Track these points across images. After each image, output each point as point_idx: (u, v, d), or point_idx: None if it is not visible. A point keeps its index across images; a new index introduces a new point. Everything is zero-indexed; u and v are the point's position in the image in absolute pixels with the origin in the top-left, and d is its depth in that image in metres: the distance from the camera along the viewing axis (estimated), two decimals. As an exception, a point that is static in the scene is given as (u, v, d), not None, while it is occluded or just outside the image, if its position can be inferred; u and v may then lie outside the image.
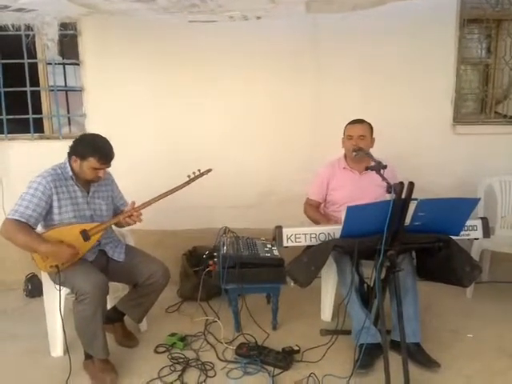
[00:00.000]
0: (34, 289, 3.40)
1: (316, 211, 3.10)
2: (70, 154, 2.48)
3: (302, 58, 3.65)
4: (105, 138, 2.50)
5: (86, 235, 2.43)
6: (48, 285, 2.54)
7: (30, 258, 2.42)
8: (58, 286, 2.37)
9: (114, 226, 2.78)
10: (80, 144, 2.46)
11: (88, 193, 2.56)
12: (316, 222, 2.96)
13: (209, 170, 2.72)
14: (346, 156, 3.08)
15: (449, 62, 3.71)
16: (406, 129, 3.71)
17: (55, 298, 2.45)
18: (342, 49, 3.63)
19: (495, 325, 2.93)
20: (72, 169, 2.48)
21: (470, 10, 3.69)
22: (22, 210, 2.32)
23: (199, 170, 2.69)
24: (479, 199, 2.35)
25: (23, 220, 2.31)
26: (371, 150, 2.87)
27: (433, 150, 3.76)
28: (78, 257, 2.40)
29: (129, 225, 2.59)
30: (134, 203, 2.54)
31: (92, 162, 2.41)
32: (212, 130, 3.71)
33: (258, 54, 3.61)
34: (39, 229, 2.45)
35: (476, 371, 2.44)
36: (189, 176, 2.66)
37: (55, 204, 2.42)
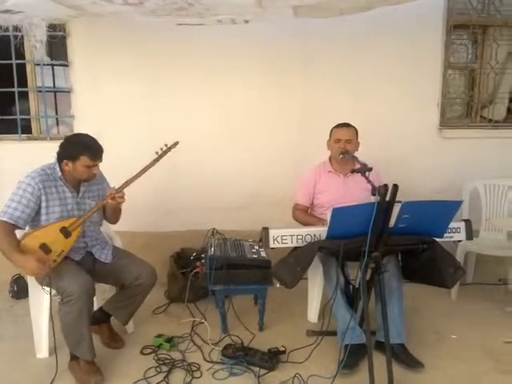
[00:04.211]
0: (19, 290, 3.37)
1: (306, 214, 3.12)
2: (59, 159, 2.46)
3: (292, 60, 3.68)
4: (89, 135, 2.50)
5: (66, 232, 2.42)
6: (34, 286, 2.53)
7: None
8: (44, 288, 2.38)
9: (101, 228, 2.79)
10: (68, 146, 2.46)
11: (78, 193, 2.56)
12: (307, 225, 2.92)
13: (176, 143, 2.72)
14: (330, 159, 3.12)
15: (435, 67, 3.77)
16: (393, 132, 3.75)
17: (41, 299, 2.44)
18: (330, 52, 3.67)
19: (479, 326, 2.96)
20: (62, 171, 2.47)
21: (457, 16, 3.75)
22: (10, 212, 2.33)
23: (166, 145, 2.68)
24: (462, 202, 2.39)
25: (12, 222, 2.32)
26: (356, 154, 2.90)
27: (419, 153, 3.80)
28: (47, 272, 2.29)
29: (114, 209, 2.59)
30: (114, 188, 2.54)
31: (84, 160, 2.41)
32: (200, 131, 3.71)
33: (247, 56, 3.63)
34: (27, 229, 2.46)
35: (460, 371, 2.47)
36: (157, 153, 2.65)
37: (43, 204, 2.42)
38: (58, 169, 2.48)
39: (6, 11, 2.78)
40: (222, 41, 3.54)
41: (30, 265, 2.24)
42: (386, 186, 2.12)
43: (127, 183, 2.54)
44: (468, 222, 2.54)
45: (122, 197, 2.51)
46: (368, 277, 2.38)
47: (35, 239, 2.36)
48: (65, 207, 2.50)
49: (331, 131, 3.06)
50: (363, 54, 3.68)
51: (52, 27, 3.38)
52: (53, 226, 2.42)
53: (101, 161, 2.50)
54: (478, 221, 3.47)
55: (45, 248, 2.36)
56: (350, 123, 3.04)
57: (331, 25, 3.41)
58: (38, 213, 2.43)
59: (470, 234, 2.53)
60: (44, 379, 2.35)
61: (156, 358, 2.58)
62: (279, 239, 2.44)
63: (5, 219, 2.32)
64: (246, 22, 3.13)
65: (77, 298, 2.26)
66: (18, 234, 2.43)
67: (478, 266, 3.65)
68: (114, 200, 2.49)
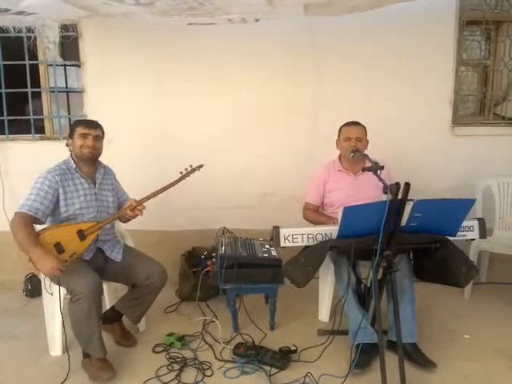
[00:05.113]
0: (33, 288, 3.42)
1: (317, 213, 3.12)
2: (67, 145, 2.62)
3: (302, 58, 3.67)
4: None
5: (82, 235, 2.45)
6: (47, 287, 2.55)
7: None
8: (56, 286, 2.40)
9: (116, 225, 2.83)
10: (69, 128, 2.68)
11: (95, 184, 2.62)
12: (318, 224, 2.88)
13: (200, 166, 2.81)
14: (340, 158, 3.11)
15: (448, 64, 3.72)
16: (405, 130, 3.72)
17: (54, 297, 2.46)
18: (340, 50, 3.65)
19: (493, 325, 2.94)
20: (74, 160, 2.58)
21: (469, 12, 3.70)
22: (29, 204, 2.39)
23: (191, 166, 2.77)
24: (475, 200, 2.36)
25: (31, 213, 2.37)
26: (366, 151, 2.88)
27: (431, 151, 3.76)
28: (59, 272, 2.27)
29: (130, 218, 2.63)
30: (135, 200, 2.61)
31: (78, 130, 2.55)
32: (212, 130, 3.73)
33: (257, 54, 3.63)
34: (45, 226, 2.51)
35: (473, 371, 2.45)
36: (181, 172, 2.73)
37: (62, 197, 2.48)
38: (72, 162, 2.57)
39: (20, 13, 2.81)
40: (232, 40, 3.55)
41: (49, 261, 2.23)
42: (397, 184, 2.09)
43: (148, 198, 2.61)
44: (481, 221, 2.50)
45: (141, 210, 2.58)
46: (380, 276, 2.37)
47: (51, 237, 2.40)
48: (83, 198, 2.56)
49: (340, 130, 3.05)
50: (374, 51, 3.65)
51: (64, 28, 3.43)
52: (70, 226, 2.46)
53: (96, 132, 2.57)
54: (491, 219, 3.43)
55: (59, 247, 2.39)
56: (359, 121, 3.02)
57: (342, 22, 3.38)
58: (57, 206, 2.48)
59: (484, 233, 2.50)
60: (57, 377, 2.37)
61: (168, 356, 2.59)
62: (290, 238, 2.43)
63: (24, 211, 2.37)
64: (257, 20, 3.14)
65: (85, 297, 2.28)
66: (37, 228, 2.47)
67: (491, 265, 3.61)
68: (133, 212, 2.57)
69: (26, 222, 2.35)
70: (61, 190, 2.48)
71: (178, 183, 2.70)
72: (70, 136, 2.59)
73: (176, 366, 2.49)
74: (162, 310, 3.19)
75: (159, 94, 3.69)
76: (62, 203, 2.49)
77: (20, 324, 3.03)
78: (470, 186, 3.53)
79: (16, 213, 2.40)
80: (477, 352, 2.64)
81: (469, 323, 2.97)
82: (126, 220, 2.74)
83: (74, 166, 2.57)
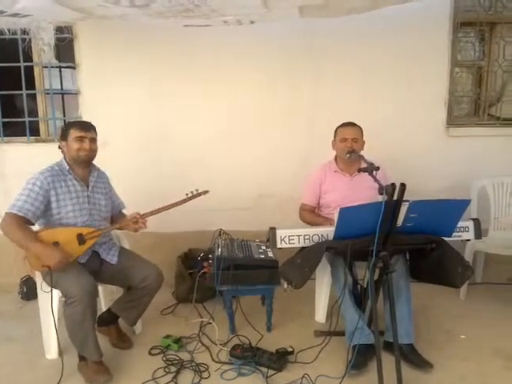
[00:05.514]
0: (29, 291, 3.40)
1: (313, 214, 3.12)
2: (60, 147, 2.60)
3: (298, 60, 3.67)
4: None
5: (81, 239, 2.46)
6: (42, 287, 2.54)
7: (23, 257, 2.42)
8: (50, 287, 2.39)
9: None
10: (61, 131, 2.65)
11: (88, 187, 2.60)
12: (314, 225, 2.90)
13: (206, 192, 2.81)
14: (336, 159, 3.11)
15: (442, 65, 3.73)
16: (401, 131, 3.73)
17: (49, 300, 2.45)
18: (337, 52, 3.65)
19: (488, 326, 2.95)
20: (67, 162, 2.56)
21: (464, 13, 3.72)
22: (19, 205, 2.37)
23: (197, 190, 2.78)
24: (470, 200, 2.37)
25: (21, 214, 2.36)
26: (361, 152, 2.89)
27: (426, 152, 3.78)
28: (67, 263, 2.33)
29: (132, 231, 2.65)
30: (138, 213, 2.63)
31: (73, 132, 2.52)
32: (208, 132, 3.72)
33: (253, 56, 3.63)
34: (37, 227, 2.50)
35: (469, 371, 2.46)
36: (187, 194, 2.75)
37: (53, 199, 2.47)
38: (65, 163, 2.56)
39: (14, 15, 2.80)
40: (228, 42, 3.55)
41: (57, 253, 2.27)
42: (393, 185, 2.10)
43: (151, 213, 2.64)
44: (476, 221, 2.51)
45: (144, 223, 2.61)
46: (376, 277, 2.37)
47: (50, 235, 2.40)
48: (76, 200, 2.55)
49: (336, 131, 3.06)
50: (370, 53, 3.66)
51: (59, 30, 3.42)
52: (71, 228, 2.47)
53: (91, 134, 2.56)
54: (486, 220, 3.43)
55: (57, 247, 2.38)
56: (355, 122, 3.02)
57: (338, 24, 3.39)
58: (48, 208, 2.47)
59: (479, 233, 2.50)
60: (53, 380, 2.36)
61: (164, 358, 2.59)
62: (286, 239, 2.43)
63: (14, 211, 2.36)
64: (252, 22, 3.13)
65: (79, 299, 2.27)
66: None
67: (486, 265, 3.63)
68: (137, 224, 2.60)
69: (19, 221, 2.35)
70: (52, 192, 2.46)
71: (181, 204, 2.73)
72: (63, 138, 2.56)
73: (173, 368, 2.49)
74: (159, 312, 3.18)
75: (155, 95, 3.68)
76: (53, 205, 2.47)
77: (16, 327, 3.01)
78: (465, 186, 3.54)
79: (6, 213, 2.38)
80: (473, 352, 2.65)
81: (465, 323, 2.98)
82: (125, 229, 2.74)
83: (68, 167, 2.55)
